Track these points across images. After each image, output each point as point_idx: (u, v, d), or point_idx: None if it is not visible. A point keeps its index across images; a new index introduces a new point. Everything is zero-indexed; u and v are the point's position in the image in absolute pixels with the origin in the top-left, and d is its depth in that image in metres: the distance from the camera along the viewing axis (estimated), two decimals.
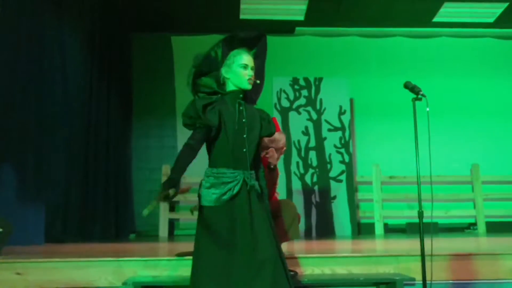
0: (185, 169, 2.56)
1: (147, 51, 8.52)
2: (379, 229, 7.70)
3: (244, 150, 2.59)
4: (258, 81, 2.69)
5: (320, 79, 7.88)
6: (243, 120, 2.61)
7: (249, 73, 2.63)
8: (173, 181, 2.51)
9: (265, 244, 2.47)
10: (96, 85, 7.09)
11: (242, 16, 7.88)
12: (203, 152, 2.69)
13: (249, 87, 2.65)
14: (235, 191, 2.53)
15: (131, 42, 8.51)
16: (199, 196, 2.59)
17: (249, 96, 2.76)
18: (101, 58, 7.26)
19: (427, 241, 2.98)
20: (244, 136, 2.59)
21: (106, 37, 7.46)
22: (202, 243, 2.52)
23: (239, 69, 2.64)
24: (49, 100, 5.71)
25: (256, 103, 2.85)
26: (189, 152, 2.57)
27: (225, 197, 2.52)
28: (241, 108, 2.63)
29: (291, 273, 3.35)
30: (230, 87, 2.68)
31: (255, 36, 2.81)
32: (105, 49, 7.44)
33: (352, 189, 7.65)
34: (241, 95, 2.66)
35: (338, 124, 7.77)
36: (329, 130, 7.74)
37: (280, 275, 2.46)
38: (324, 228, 7.39)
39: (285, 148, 3.68)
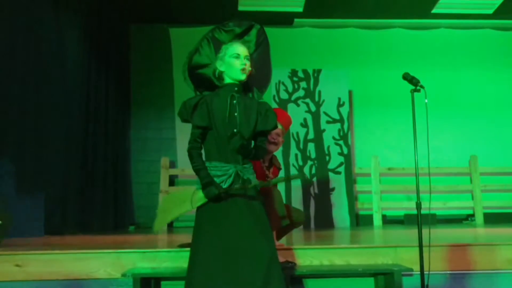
0: (206, 167, 2.55)
1: (146, 42, 8.50)
2: (377, 220, 7.73)
3: None
4: (253, 70, 2.64)
5: (319, 71, 7.86)
6: (235, 114, 2.57)
7: (242, 62, 2.59)
8: (212, 182, 2.50)
9: (259, 239, 2.46)
10: (94, 77, 7.08)
11: (240, 8, 7.84)
12: None
13: (242, 77, 2.60)
14: (226, 185, 2.51)
15: (129, 33, 8.48)
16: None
17: (253, 88, 2.73)
18: (100, 49, 7.24)
19: (425, 232, 2.99)
20: (235, 130, 2.56)
21: (104, 28, 7.43)
22: (198, 237, 2.51)
23: (231, 60, 2.60)
24: (47, 92, 5.69)
25: (261, 97, 2.79)
26: (198, 153, 2.57)
27: None
28: (234, 101, 2.59)
29: (290, 264, 3.37)
30: (226, 79, 2.64)
31: (245, 26, 2.75)
32: (104, 40, 7.41)
33: (350, 181, 7.66)
34: (236, 88, 2.62)
35: (336, 116, 7.77)
36: (328, 122, 7.74)
37: (275, 269, 2.44)
38: (322, 220, 7.41)
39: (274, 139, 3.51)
